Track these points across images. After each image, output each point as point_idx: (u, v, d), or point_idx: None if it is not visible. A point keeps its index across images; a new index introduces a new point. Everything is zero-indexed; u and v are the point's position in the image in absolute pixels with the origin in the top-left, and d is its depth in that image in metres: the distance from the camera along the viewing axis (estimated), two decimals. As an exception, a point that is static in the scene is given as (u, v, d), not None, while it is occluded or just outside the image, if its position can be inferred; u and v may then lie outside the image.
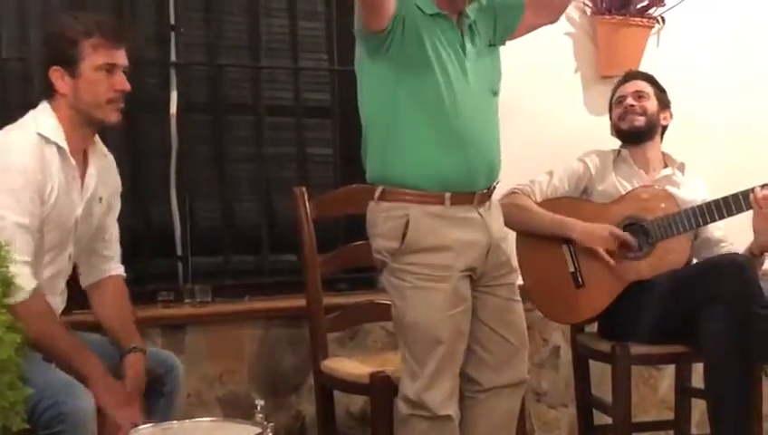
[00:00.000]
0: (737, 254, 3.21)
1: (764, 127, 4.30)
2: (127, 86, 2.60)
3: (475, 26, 2.72)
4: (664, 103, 3.52)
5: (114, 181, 2.78)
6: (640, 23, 3.99)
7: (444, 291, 2.62)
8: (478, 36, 2.73)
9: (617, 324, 3.28)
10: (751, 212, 3.18)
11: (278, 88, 3.68)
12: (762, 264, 3.26)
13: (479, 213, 2.69)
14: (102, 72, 2.55)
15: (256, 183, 3.62)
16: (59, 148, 2.53)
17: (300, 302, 3.29)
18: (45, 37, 2.63)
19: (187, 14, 3.49)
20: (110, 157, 2.76)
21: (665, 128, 3.54)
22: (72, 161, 2.57)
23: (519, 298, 2.81)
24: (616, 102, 3.55)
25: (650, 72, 3.74)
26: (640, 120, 3.47)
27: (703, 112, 4.05)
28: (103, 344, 2.68)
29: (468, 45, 2.68)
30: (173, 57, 3.46)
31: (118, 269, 2.81)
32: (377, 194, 2.67)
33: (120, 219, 2.85)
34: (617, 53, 3.99)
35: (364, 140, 2.71)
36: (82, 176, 2.62)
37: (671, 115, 3.54)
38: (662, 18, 4.06)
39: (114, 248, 2.80)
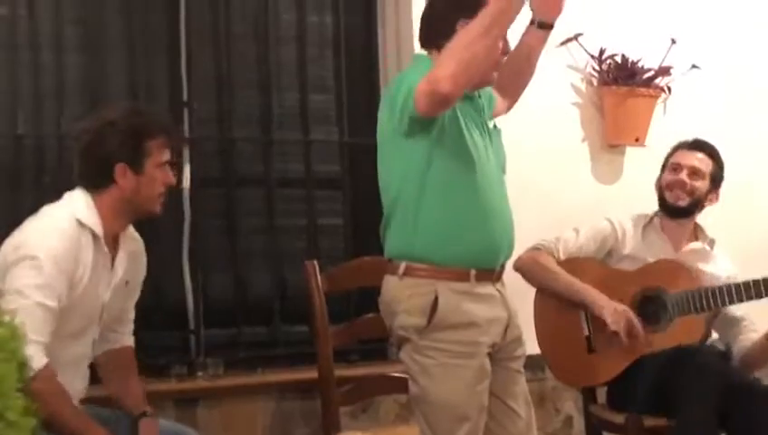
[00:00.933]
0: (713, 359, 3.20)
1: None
2: (174, 180, 2.67)
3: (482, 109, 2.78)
4: (716, 184, 3.46)
5: (142, 266, 2.79)
6: (647, 93, 4.03)
7: (472, 368, 2.61)
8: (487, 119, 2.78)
9: (621, 394, 3.28)
10: None
11: (289, 160, 3.73)
12: None
13: (497, 289, 2.71)
14: (162, 168, 2.61)
15: (268, 255, 3.65)
16: (93, 234, 2.55)
17: (312, 374, 3.29)
18: (110, 129, 2.58)
19: (200, 89, 3.55)
20: (140, 241, 2.78)
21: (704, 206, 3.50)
22: (105, 249, 2.59)
23: (523, 370, 2.83)
24: (671, 167, 3.47)
25: (657, 141, 3.79)
26: (685, 201, 3.42)
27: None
28: (115, 419, 2.68)
29: (487, 125, 2.73)
30: (186, 132, 3.51)
31: (129, 341, 2.83)
32: (401, 270, 2.64)
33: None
34: (624, 123, 4.03)
35: (387, 216, 2.69)
36: (112, 261, 2.64)
37: (717, 197, 3.49)
38: (668, 88, 4.11)
39: (130, 327, 2.83)
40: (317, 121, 3.78)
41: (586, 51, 4.01)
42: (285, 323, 3.63)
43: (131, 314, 2.82)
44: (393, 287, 2.67)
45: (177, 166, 2.70)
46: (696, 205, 3.45)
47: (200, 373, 3.42)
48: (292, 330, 3.63)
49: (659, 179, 3.52)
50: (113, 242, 2.64)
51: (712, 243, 3.48)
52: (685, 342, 3.21)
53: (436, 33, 2.67)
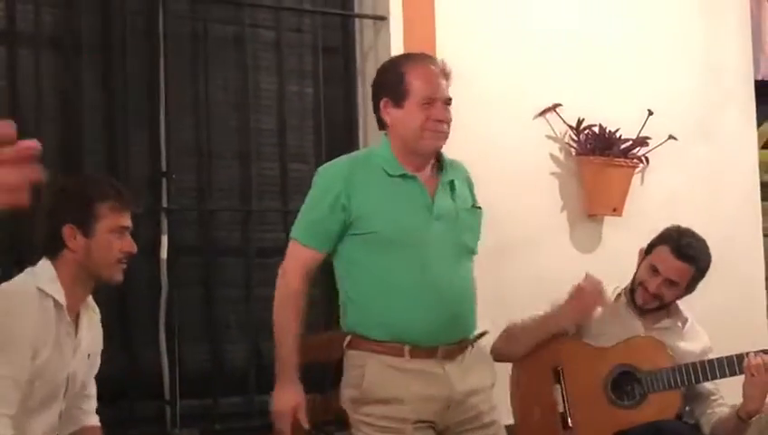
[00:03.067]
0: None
1: (745, 265, 4.37)
2: (134, 248, 2.66)
3: (452, 185, 2.79)
4: (691, 289, 3.34)
5: (100, 338, 2.78)
6: (624, 163, 4.07)
7: None
8: (457, 196, 2.78)
9: None
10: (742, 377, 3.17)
11: (268, 230, 3.73)
12: (748, 428, 3.23)
13: (443, 367, 2.69)
14: (115, 233, 2.60)
15: (245, 325, 3.63)
16: (56, 303, 2.53)
17: (288, 446, 3.26)
18: (59, 194, 2.62)
19: (179, 160, 3.56)
20: (98, 313, 2.77)
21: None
22: (68, 318, 2.57)
23: None
24: (650, 267, 3.29)
25: (635, 211, 3.80)
26: (652, 305, 3.33)
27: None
28: None
29: (439, 202, 2.73)
30: (164, 203, 3.51)
31: (94, 420, 2.80)
32: (345, 342, 2.74)
33: (108, 362, 2.84)
34: (602, 193, 4.06)
35: (339, 291, 2.80)
36: (75, 330, 2.62)
37: (690, 293, 3.37)
38: (646, 158, 4.14)
39: (93, 403, 2.80)
40: (296, 191, 3.78)
41: (564, 121, 4.06)
42: (262, 394, 3.60)
43: (93, 390, 2.79)
44: (344, 359, 2.76)
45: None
46: (664, 306, 3.36)
47: (175, 445, 3.39)
48: (269, 400, 3.59)
49: (638, 266, 3.37)
50: (75, 312, 2.62)
51: (685, 321, 3.41)
52: (660, 418, 3.20)
53: (375, 109, 2.79)
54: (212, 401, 3.53)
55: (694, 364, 3.22)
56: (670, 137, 4.14)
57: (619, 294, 3.42)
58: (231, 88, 3.69)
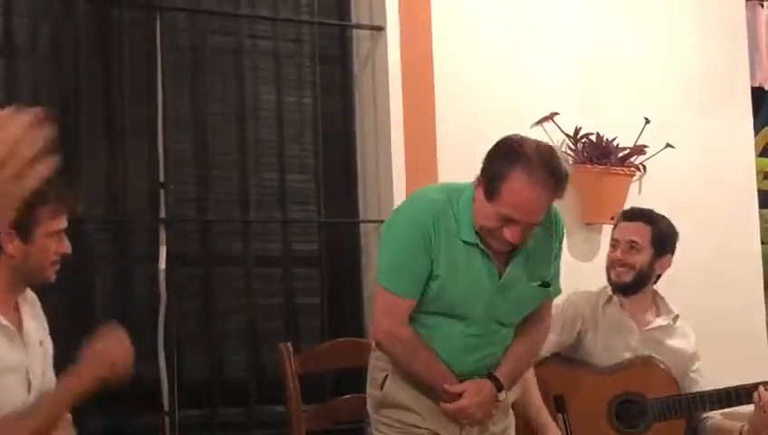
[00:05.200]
0: None
1: (743, 273, 4.37)
2: (69, 249, 2.59)
3: (528, 254, 2.66)
4: (661, 250, 3.31)
5: (44, 325, 2.67)
6: (622, 171, 4.08)
7: None
8: (530, 267, 2.68)
9: None
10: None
11: (267, 240, 3.74)
12: None
13: None
14: (53, 237, 2.54)
15: (245, 334, 3.64)
16: None
17: (288, 456, 3.26)
18: None
19: (178, 170, 3.57)
20: (32, 294, 2.65)
21: (660, 275, 3.39)
22: (4, 321, 2.49)
23: None
24: (611, 243, 3.37)
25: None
26: (628, 276, 3.31)
27: (685, 257, 4.09)
28: None
29: (509, 274, 2.65)
30: (162, 214, 3.51)
31: None
32: (374, 343, 2.78)
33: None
34: (599, 201, 4.06)
35: None
36: (20, 329, 2.54)
37: (669, 262, 3.35)
38: (643, 166, 4.15)
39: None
40: (295, 201, 3.79)
41: (561, 130, 4.06)
42: (261, 404, 3.61)
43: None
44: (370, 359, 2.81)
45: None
46: (644, 278, 3.33)
47: (174, 456, 3.39)
48: (269, 411, 3.60)
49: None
50: (9, 311, 2.54)
51: (676, 318, 3.40)
52: None
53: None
54: (211, 411, 3.53)
55: (702, 394, 3.20)
56: (667, 145, 4.15)
57: (611, 296, 3.38)
58: (229, 99, 3.70)
